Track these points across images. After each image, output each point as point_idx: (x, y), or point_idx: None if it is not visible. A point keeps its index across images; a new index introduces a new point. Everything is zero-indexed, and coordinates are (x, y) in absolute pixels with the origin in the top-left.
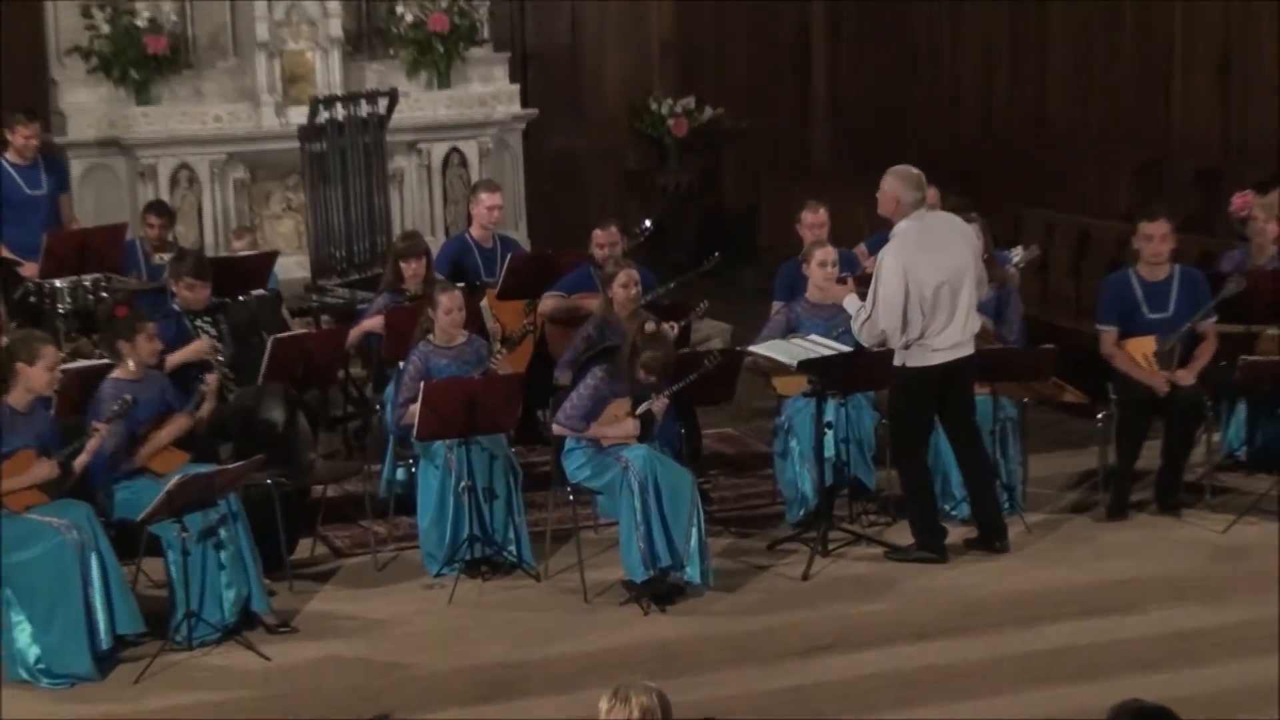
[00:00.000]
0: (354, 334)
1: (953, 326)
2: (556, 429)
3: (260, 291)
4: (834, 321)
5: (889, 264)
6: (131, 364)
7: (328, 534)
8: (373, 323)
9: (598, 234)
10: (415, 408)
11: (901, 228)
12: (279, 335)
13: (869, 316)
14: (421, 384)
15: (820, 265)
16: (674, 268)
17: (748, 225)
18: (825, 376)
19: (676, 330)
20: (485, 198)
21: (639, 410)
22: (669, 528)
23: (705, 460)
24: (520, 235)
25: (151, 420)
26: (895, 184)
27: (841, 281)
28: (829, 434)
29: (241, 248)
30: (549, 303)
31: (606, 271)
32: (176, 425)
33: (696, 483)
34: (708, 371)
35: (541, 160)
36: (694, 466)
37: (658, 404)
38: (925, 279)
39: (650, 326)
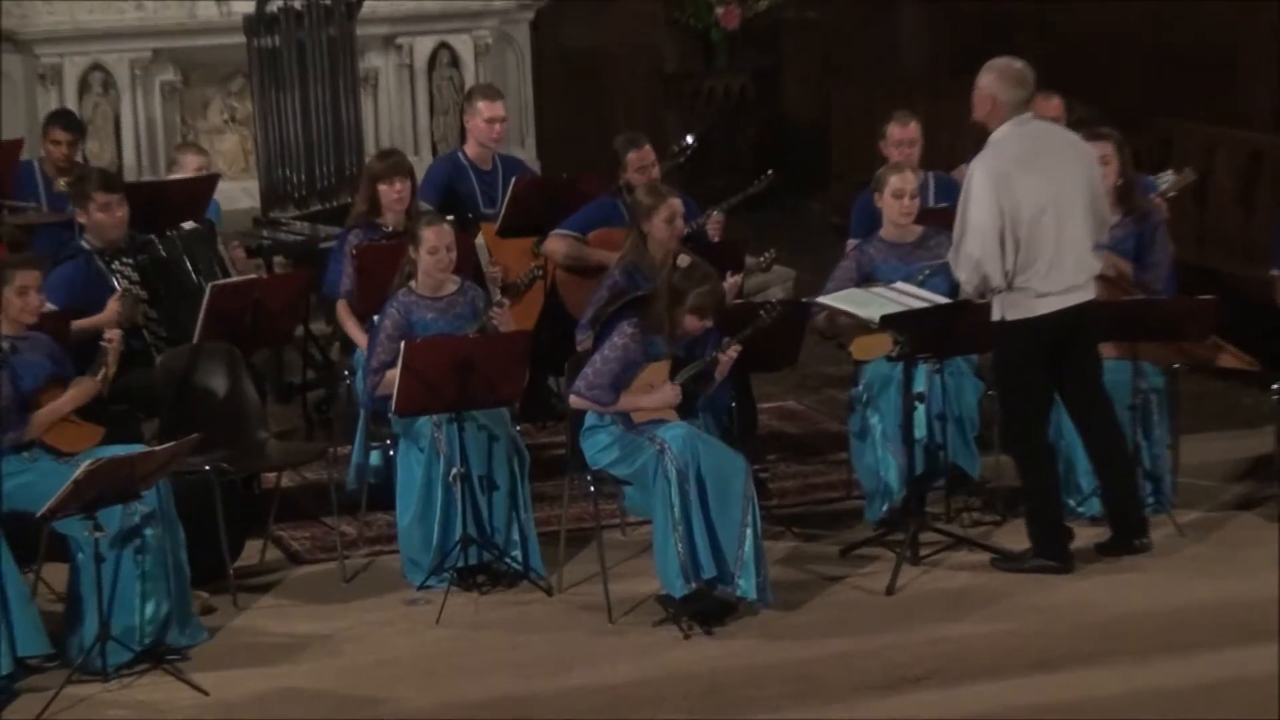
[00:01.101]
0: (346, 317)
1: (1061, 266)
2: (575, 401)
3: (196, 225)
4: (915, 263)
5: (978, 180)
6: (4, 325)
7: (282, 534)
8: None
9: (631, 156)
10: (393, 374)
11: (998, 135)
12: (219, 281)
13: (957, 248)
14: (402, 344)
15: (895, 195)
16: (720, 195)
17: (816, 143)
18: (915, 335)
19: (738, 282)
20: (483, 107)
21: (684, 375)
22: (715, 528)
23: (762, 442)
24: (527, 155)
25: (38, 391)
26: (992, 80)
27: (942, 215)
28: (920, 409)
29: (190, 168)
30: (558, 245)
31: (641, 202)
32: (82, 389)
33: (751, 471)
34: (764, 326)
35: (555, 60)
36: (748, 450)
37: (726, 356)
38: (1021, 202)
39: (684, 260)
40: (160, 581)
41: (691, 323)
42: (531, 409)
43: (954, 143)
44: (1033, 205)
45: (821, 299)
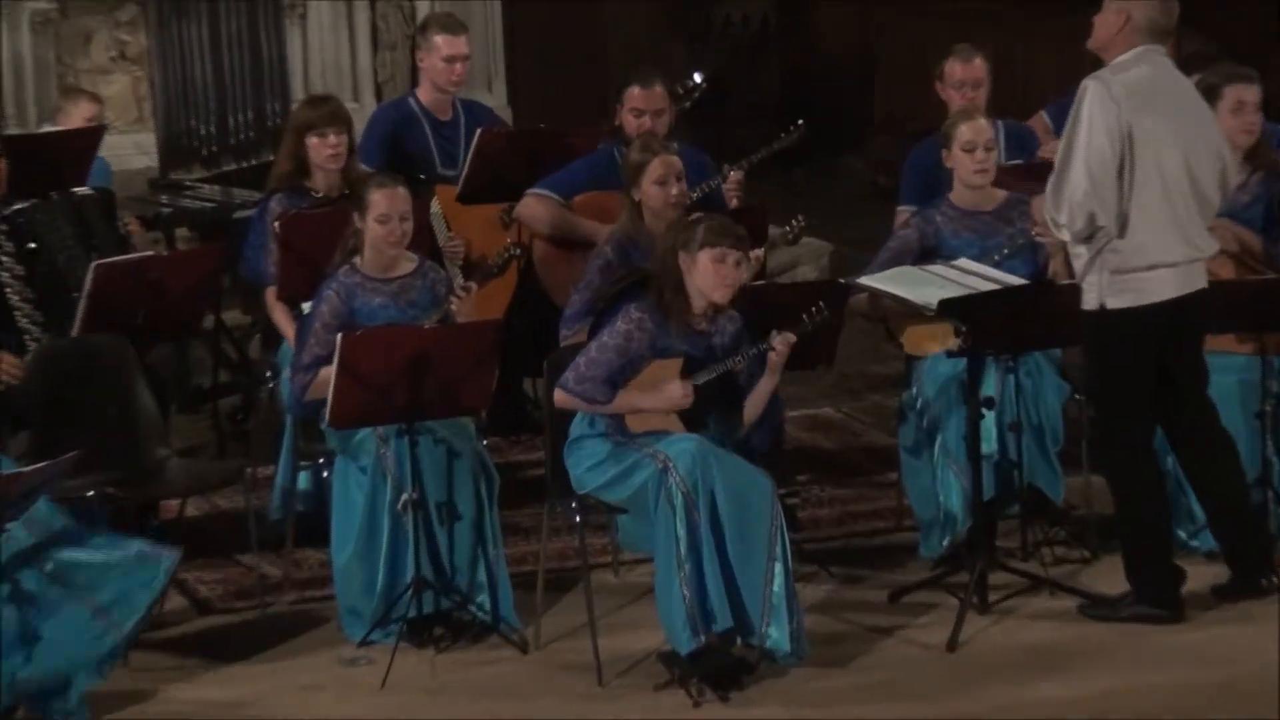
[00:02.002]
0: (277, 311)
1: (1185, 231)
2: (561, 397)
3: (83, 190)
4: (994, 238)
5: (1095, 95)
6: None
7: (187, 577)
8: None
9: (634, 93)
10: (329, 374)
11: (1123, 59)
12: (105, 260)
13: (1059, 179)
14: (339, 336)
15: (967, 148)
16: (737, 149)
17: (857, 84)
18: (982, 324)
19: (760, 258)
20: (441, 43)
21: (702, 378)
22: (733, 568)
23: (791, 459)
24: (496, 102)
25: None
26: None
27: (1017, 173)
28: (989, 417)
29: (77, 119)
30: (537, 209)
31: (629, 160)
32: None
33: (777, 495)
34: (807, 333)
35: None
36: (773, 468)
37: (780, 349)
38: (1147, 135)
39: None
40: (15, 641)
41: (717, 275)
42: (503, 419)
43: (1028, 85)
44: (1158, 145)
45: (865, 279)
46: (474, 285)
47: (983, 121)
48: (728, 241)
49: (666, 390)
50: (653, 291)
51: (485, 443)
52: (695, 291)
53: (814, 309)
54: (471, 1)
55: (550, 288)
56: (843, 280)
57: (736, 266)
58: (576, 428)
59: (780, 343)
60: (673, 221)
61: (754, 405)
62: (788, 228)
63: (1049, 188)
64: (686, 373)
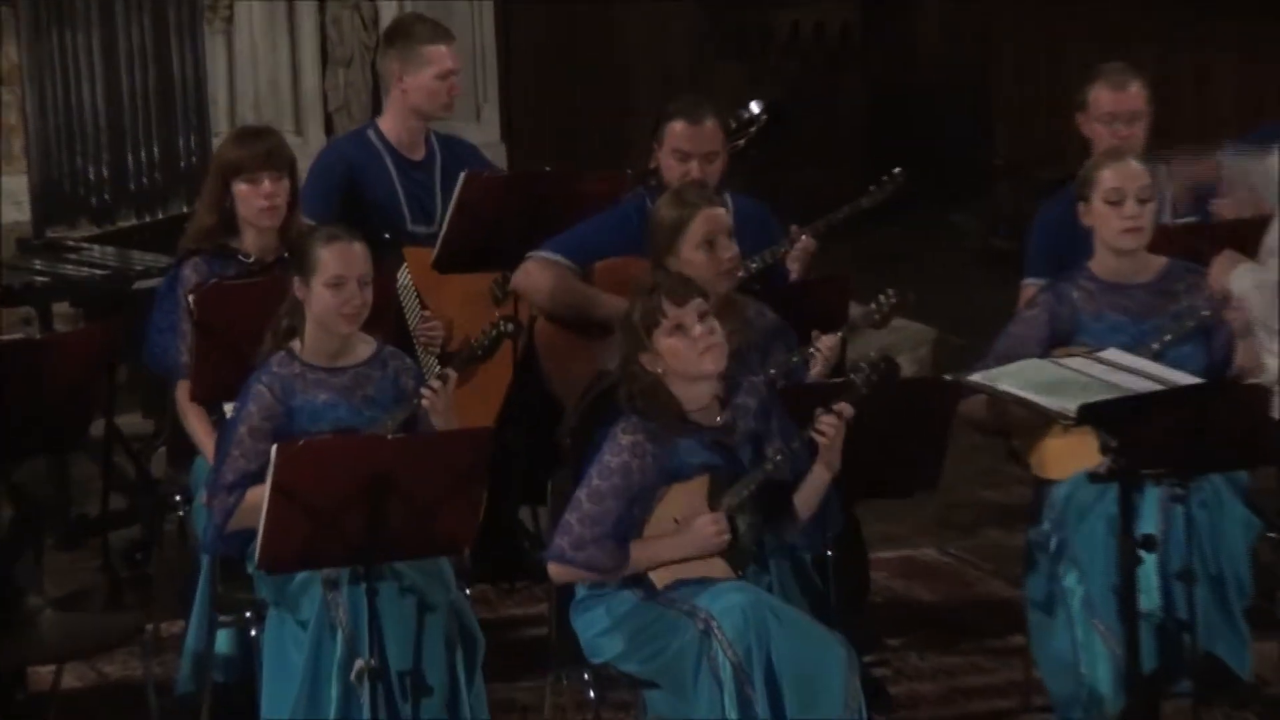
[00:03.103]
0: (195, 422)
1: None
2: (557, 570)
3: None
4: (1149, 319)
5: None
6: None
7: None
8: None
9: (677, 129)
10: (259, 497)
11: None
12: None
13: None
14: (274, 448)
15: (1113, 199)
16: (808, 203)
17: (970, 115)
18: (1138, 438)
19: (833, 345)
20: (432, 54)
21: (734, 497)
22: None
23: (878, 616)
24: (486, 136)
25: None
26: None
27: (1184, 235)
28: (1149, 562)
29: None
30: (542, 277)
31: (662, 217)
32: None
33: (858, 664)
34: (859, 398)
35: None
36: (853, 629)
37: (829, 420)
38: None
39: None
40: None
41: (689, 349)
42: (492, 560)
43: (1202, 115)
44: None
45: (979, 376)
46: (452, 373)
47: (1135, 165)
48: (673, 298)
49: (694, 531)
50: (652, 391)
51: (468, 592)
52: (683, 383)
53: (869, 367)
54: (453, 1)
55: (557, 383)
56: (949, 377)
57: (703, 320)
58: (582, 588)
59: (827, 422)
60: (730, 303)
61: (805, 502)
62: (874, 305)
63: (1247, 283)
64: (715, 493)
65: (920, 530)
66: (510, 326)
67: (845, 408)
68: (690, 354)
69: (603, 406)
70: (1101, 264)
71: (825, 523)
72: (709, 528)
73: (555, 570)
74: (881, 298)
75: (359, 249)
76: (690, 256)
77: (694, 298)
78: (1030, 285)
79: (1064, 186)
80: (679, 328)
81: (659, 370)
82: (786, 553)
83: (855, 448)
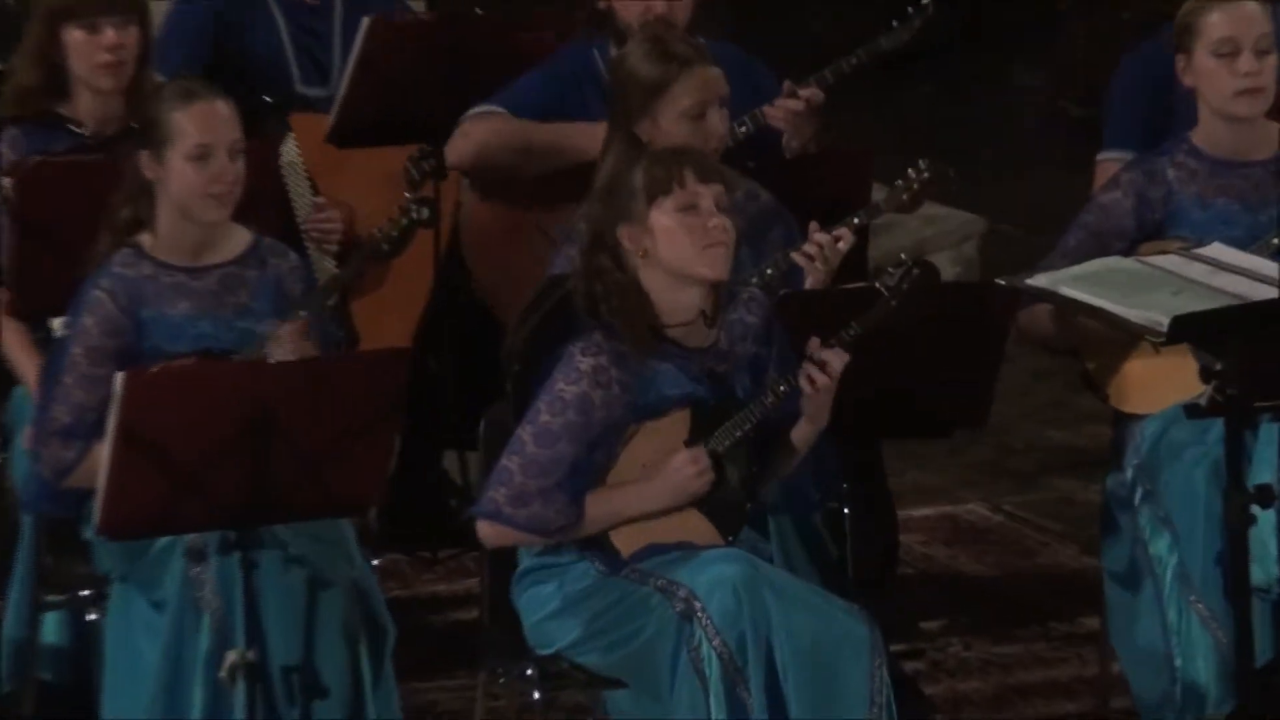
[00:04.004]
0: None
1: None
2: (492, 532)
3: None
4: (1268, 206)
5: None
6: None
7: None
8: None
9: None
10: (101, 448)
11: None
12: None
13: None
14: (119, 376)
15: (1223, 50)
16: (810, 50)
17: None
18: (1249, 360)
19: (846, 238)
20: None
21: (724, 437)
22: None
23: (913, 592)
24: None
25: None
26: None
27: None
28: (1264, 522)
29: None
30: (494, 130)
31: (632, 71)
32: None
33: (885, 651)
34: (884, 315)
35: None
36: (877, 609)
37: (820, 375)
38: None
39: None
40: None
41: (692, 235)
42: (408, 522)
43: None
44: None
45: (1041, 280)
46: (346, 270)
47: (1253, 6)
48: (698, 170)
49: (667, 475)
50: (597, 313)
51: (376, 564)
52: (666, 285)
53: (897, 272)
54: None
55: (492, 290)
56: (1003, 281)
57: (719, 207)
58: (527, 557)
59: (813, 371)
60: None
61: (787, 459)
62: (900, 183)
63: None
64: (698, 435)
65: (965, 481)
66: (425, 212)
67: (839, 356)
68: (694, 242)
69: (556, 322)
70: (1207, 135)
71: (813, 472)
72: (686, 468)
73: (489, 531)
74: (911, 172)
75: (225, 109)
76: (671, 128)
77: (719, 182)
78: (1111, 161)
79: (1156, 33)
80: (692, 206)
81: (640, 256)
82: (791, 510)
83: (879, 374)
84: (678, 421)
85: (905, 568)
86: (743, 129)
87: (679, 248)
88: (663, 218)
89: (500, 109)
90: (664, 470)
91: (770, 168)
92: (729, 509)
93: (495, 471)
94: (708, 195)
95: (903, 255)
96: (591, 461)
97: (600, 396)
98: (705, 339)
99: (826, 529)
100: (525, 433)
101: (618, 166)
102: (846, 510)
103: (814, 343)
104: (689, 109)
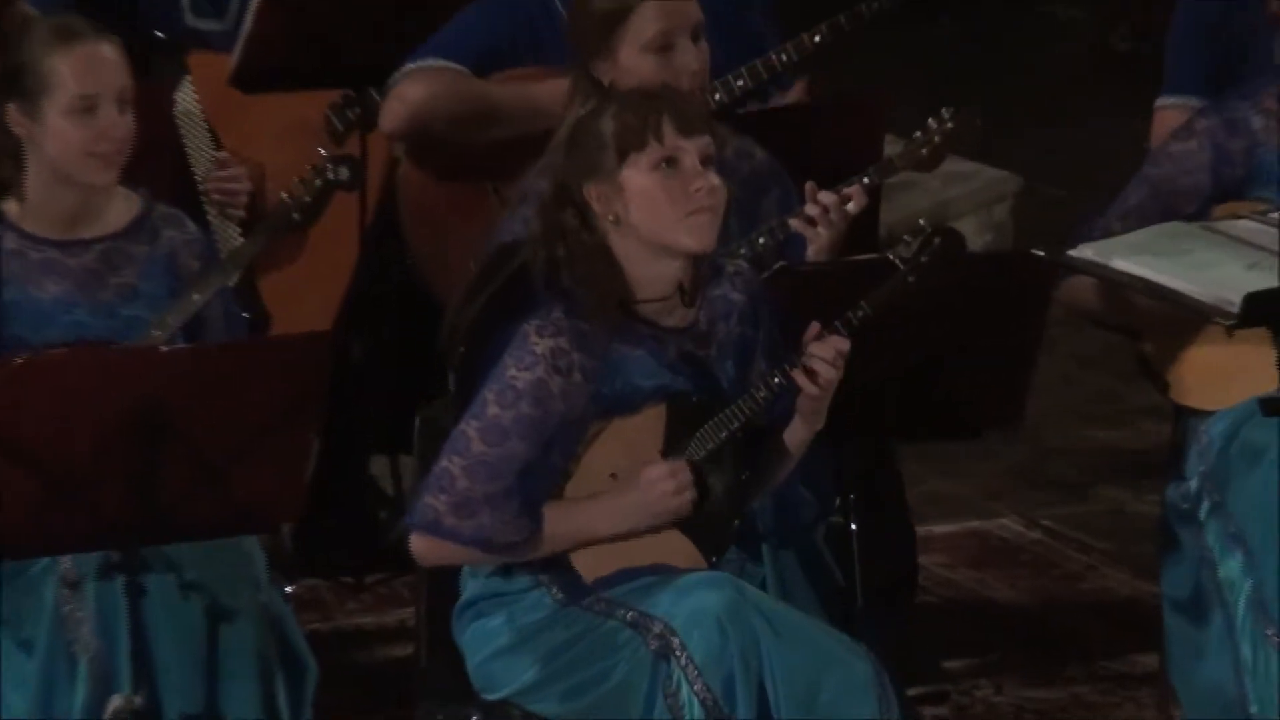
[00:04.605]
0: None
1: None
2: (429, 548)
3: None
4: None
5: None
6: None
7: None
8: None
9: None
10: None
11: None
12: None
13: None
14: None
15: None
16: None
17: None
18: None
19: (854, 199)
20: None
21: (705, 444)
22: None
23: (930, 621)
24: None
25: None
26: None
27: None
28: None
29: None
30: (418, 89)
31: (589, 3)
32: None
33: (896, 695)
34: (902, 292)
35: None
36: (891, 643)
37: (822, 369)
38: None
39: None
40: None
41: (670, 196)
42: (329, 541)
43: None
44: None
45: (1090, 251)
46: (253, 241)
47: None
48: (678, 121)
49: (641, 489)
50: (557, 282)
51: (290, 591)
52: (640, 254)
53: (915, 240)
54: None
55: (430, 264)
56: (1041, 253)
57: (706, 165)
58: (471, 583)
59: (811, 361)
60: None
61: (784, 465)
62: (920, 134)
63: None
64: (676, 435)
65: (997, 491)
66: (344, 172)
67: (837, 344)
68: (674, 207)
69: (509, 298)
70: None
71: (818, 479)
72: (663, 482)
73: (425, 546)
74: (932, 122)
75: (111, 53)
76: (633, 64)
77: (704, 134)
78: (1173, 108)
79: None
80: (671, 162)
81: (609, 221)
82: (784, 527)
83: (893, 364)
84: (651, 419)
85: (925, 595)
86: (740, 83)
87: (656, 213)
88: (637, 177)
89: (441, 62)
90: (637, 484)
91: (763, 117)
92: (713, 525)
93: (434, 474)
94: (691, 151)
95: (921, 221)
96: (548, 464)
97: (559, 384)
98: (682, 318)
99: (830, 549)
100: (470, 428)
101: (581, 113)
102: (854, 526)
103: (813, 328)
104: (651, 41)
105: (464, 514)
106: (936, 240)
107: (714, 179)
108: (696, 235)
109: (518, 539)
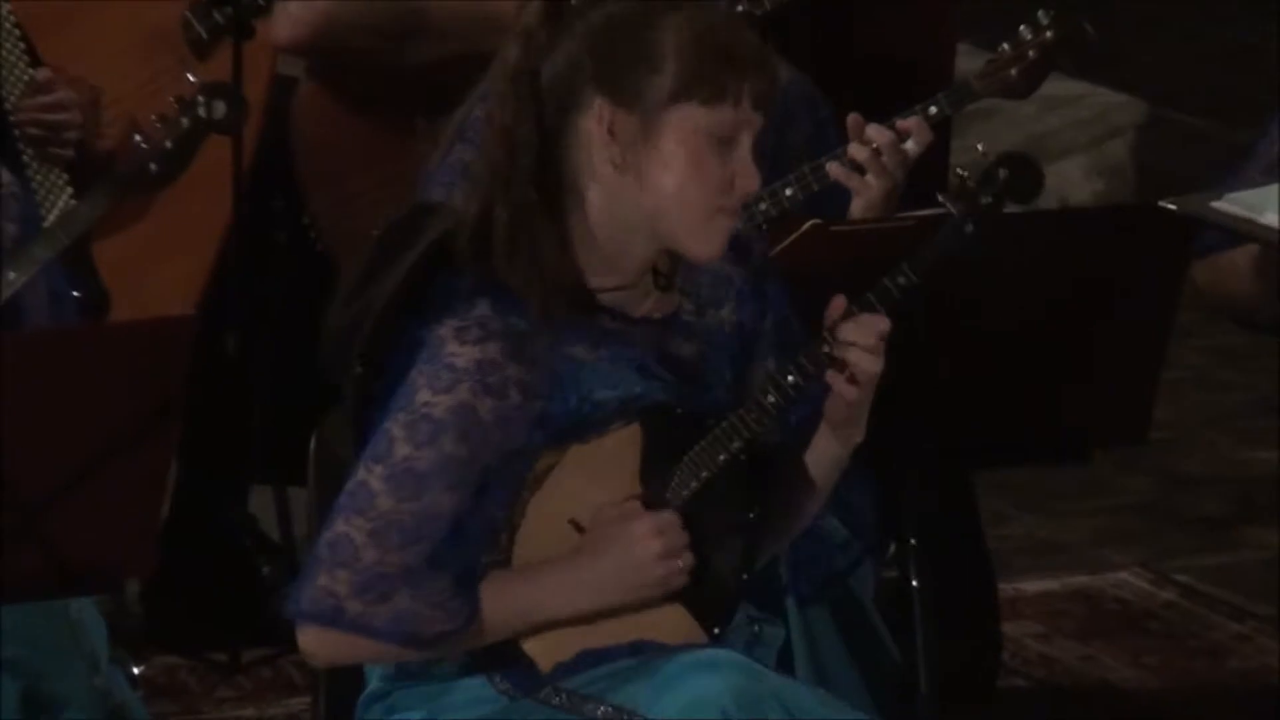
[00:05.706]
0: None
1: None
2: (318, 642)
3: None
4: None
5: None
6: None
7: None
8: None
9: None
10: None
11: None
12: None
13: None
14: None
15: None
16: None
17: None
18: None
19: (925, 125)
20: None
21: (690, 476)
22: None
23: (1019, 705)
24: None
25: None
26: None
27: None
28: None
29: None
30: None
31: None
32: None
33: None
34: (955, 252)
35: None
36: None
37: (849, 375)
38: None
39: None
40: None
41: (705, 180)
42: (191, 603)
43: None
44: None
45: (1235, 201)
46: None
47: None
48: (749, 91)
49: (615, 554)
50: (487, 260)
51: (138, 672)
52: (618, 224)
53: (978, 182)
54: None
55: (334, 225)
56: (1171, 204)
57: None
58: (378, 670)
59: (841, 351)
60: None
61: (809, 496)
62: (1009, 47)
63: None
64: (655, 467)
65: (1110, 534)
66: (222, 109)
67: (878, 324)
68: (706, 192)
69: (418, 289)
70: None
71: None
72: (648, 543)
73: (319, 643)
74: (1024, 31)
75: None
76: None
77: (766, 116)
78: None
79: None
80: (729, 142)
81: (610, 166)
82: (809, 582)
83: (961, 360)
84: (621, 443)
85: (1013, 676)
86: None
87: (682, 191)
88: (685, 132)
89: None
90: (611, 541)
91: (799, 32)
92: (713, 586)
93: (328, 542)
94: (751, 133)
95: (979, 146)
96: (483, 517)
97: (490, 408)
98: (658, 306)
99: (881, 612)
100: (373, 476)
101: (614, 7)
102: (915, 583)
103: (837, 303)
104: None
105: (374, 597)
106: (1001, 172)
107: (756, 178)
108: (709, 242)
109: (450, 627)
